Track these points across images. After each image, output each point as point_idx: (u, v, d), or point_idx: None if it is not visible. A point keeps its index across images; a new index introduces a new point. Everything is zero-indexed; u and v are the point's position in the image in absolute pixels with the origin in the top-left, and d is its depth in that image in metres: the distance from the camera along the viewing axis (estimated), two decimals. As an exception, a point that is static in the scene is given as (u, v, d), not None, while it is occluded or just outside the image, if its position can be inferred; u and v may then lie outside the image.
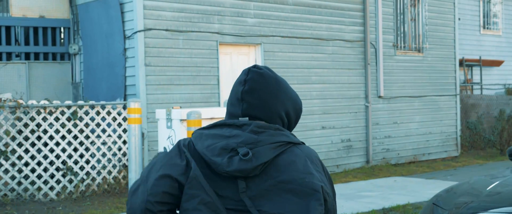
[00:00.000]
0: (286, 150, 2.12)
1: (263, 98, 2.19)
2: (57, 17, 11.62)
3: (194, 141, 2.16)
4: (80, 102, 9.82)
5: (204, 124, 6.20)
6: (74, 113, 9.58)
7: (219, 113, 6.48)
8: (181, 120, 6.20)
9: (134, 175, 6.44)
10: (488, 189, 4.71)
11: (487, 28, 18.77)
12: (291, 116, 2.27)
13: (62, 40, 11.97)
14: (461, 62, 17.44)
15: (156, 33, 10.35)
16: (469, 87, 17.83)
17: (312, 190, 2.05)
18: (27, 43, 11.58)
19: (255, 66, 2.25)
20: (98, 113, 9.89)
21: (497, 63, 18.72)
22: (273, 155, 2.08)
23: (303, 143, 2.23)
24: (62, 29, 11.93)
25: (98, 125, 9.90)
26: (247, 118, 2.18)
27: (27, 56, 11.59)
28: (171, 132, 6.37)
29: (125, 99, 10.45)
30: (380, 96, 13.58)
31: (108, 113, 9.99)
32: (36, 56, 11.63)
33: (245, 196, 2.05)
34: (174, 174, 2.08)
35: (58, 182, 9.53)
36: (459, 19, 17.32)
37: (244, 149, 2.06)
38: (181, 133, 6.17)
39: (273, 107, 2.20)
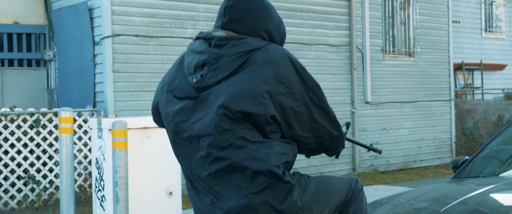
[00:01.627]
0: (248, 59, 2.27)
1: (243, 14, 2.31)
2: (32, 23, 11.50)
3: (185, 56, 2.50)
4: (43, 109, 9.67)
5: (132, 134, 5.96)
6: (37, 121, 9.42)
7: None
8: (109, 129, 5.96)
9: (65, 187, 6.20)
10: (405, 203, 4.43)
11: (490, 31, 18.26)
12: (274, 37, 2.40)
13: (38, 46, 11.84)
14: (460, 66, 16.99)
15: (125, 39, 10.16)
16: (469, 92, 17.35)
17: (256, 93, 2.27)
18: (1, 49, 11.47)
19: None
20: (63, 120, 9.71)
21: (500, 67, 18.20)
22: (233, 68, 2.26)
23: (270, 43, 2.35)
24: (38, 35, 11.80)
25: (62, 132, 9.72)
26: (221, 31, 2.33)
27: (2, 62, 11.47)
28: (102, 142, 6.15)
29: (94, 106, 10.29)
30: (367, 102, 13.22)
31: (73, 121, 9.82)
32: (10, 62, 11.51)
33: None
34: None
35: (19, 191, 9.37)
36: (459, 22, 16.92)
37: (205, 72, 2.33)
38: (109, 143, 5.93)
39: (253, 23, 2.32)
